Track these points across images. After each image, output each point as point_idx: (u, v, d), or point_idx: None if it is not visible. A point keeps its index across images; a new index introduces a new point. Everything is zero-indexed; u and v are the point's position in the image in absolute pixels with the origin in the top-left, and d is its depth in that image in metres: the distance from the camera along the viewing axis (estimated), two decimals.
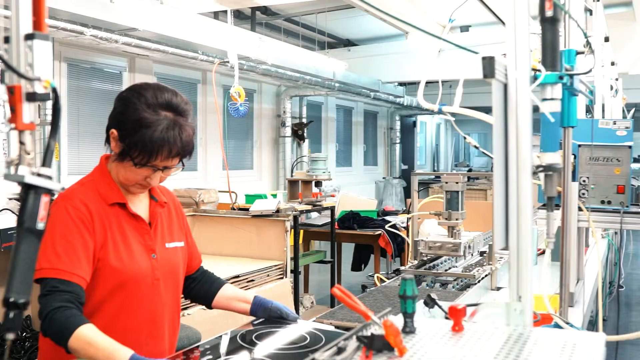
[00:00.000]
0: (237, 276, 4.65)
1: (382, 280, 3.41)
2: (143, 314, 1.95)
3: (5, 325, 1.15)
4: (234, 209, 5.76)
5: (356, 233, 6.46)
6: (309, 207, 5.78)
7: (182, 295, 2.21)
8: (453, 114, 1.58)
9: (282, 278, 5.13)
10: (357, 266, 7.38)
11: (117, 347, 1.67)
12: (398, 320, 1.64)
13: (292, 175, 6.13)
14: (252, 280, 4.80)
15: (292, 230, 5.46)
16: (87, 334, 1.70)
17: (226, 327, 4.41)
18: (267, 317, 2.12)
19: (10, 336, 1.15)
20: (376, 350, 1.28)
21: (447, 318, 1.58)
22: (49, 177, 1.16)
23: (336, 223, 6.34)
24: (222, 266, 4.95)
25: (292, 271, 5.37)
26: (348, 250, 7.46)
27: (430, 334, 1.46)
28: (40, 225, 1.14)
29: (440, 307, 2.11)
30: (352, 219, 6.54)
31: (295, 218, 5.46)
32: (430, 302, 2.19)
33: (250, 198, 6.33)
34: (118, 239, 1.90)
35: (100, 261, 1.86)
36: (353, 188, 11.98)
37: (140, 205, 2.02)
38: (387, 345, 1.28)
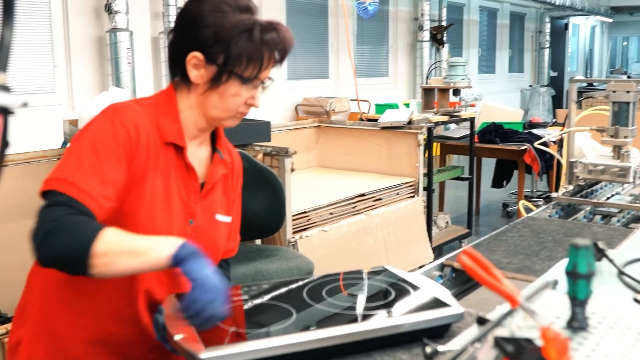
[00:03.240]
0: (363, 194, 4.25)
1: (528, 209, 2.86)
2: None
3: None
4: (363, 120, 5.30)
5: (498, 148, 5.82)
6: (445, 119, 5.20)
7: None
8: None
9: (413, 196, 4.67)
10: (498, 183, 6.77)
11: (161, 237, 1.33)
12: (555, 298, 1.14)
13: (427, 83, 5.54)
14: (380, 199, 4.38)
15: (426, 143, 4.94)
16: (116, 233, 1.29)
17: (350, 257, 4.06)
18: None
19: None
20: None
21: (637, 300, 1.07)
22: (4, 88, 0.74)
23: (476, 136, 5.73)
24: (347, 182, 4.58)
25: (424, 189, 4.88)
26: (489, 165, 6.84)
27: (614, 334, 0.95)
28: None
29: (611, 261, 1.57)
30: (494, 131, 5.90)
31: (430, 130, 4.92)
32: (597, 254, 1.65)
33: (381, 108, 5.83)
34: (158, 189, 1.45)
35: (128, 208, 1.41)
36: (496, 97, 11.15)
37: (198, 156, 1.56)
38: None
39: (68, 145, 1.37)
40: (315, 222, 3.90)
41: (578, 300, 0.97)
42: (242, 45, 1.42)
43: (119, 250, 1.27)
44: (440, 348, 1.07)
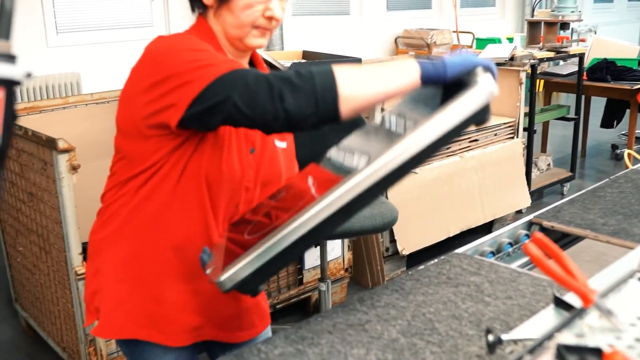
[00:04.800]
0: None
1: (635, 160, 2.63)
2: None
3: None
4: None
5: (609, 86, 5.42)
6: (551, 55, 4.88)
7: None
8: None
9: (512, 138, 4.46)
10: (608, 123, 6.36)
11: (395, 62, 1.25)
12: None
13: (532, 16, 5.19)
14: (476, 140, 4.21)
15: (530, 81, 4.66)
16: (352, 68, 1.23)
17: (441, 201, 3.92)
18: None
19: None
20: None
21: None
22: (6, 57, 0.67)
23: (585, 73, 5.36)
24: None
25: (525, 129, 4.64)
26: (599, 103, 6.42)
27: None
28: None
29: None
30: (605, 68, 5.49)
31: (533, 67, 4.63)
32: None
33: (482, 43, 5.53)
34: None
35: (195, 144, 1.38)
36: (613, 28, 10.43)
37: None
38: None
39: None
40: None
41: None
42: None
43: (363, 76, 1.22)
44: (504, 337, 0.96)
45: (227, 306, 1.52)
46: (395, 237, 3.65)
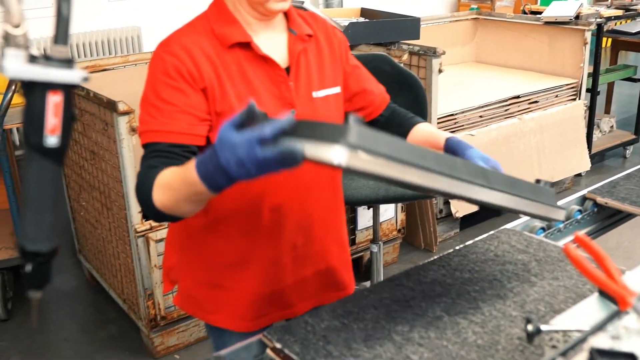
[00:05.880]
0: (518, 97, 4.01)
1: None
2: (280, 194, 1.46)
3: (28, 282, 0.79)
4: (525, 13, 4.91)
5: None
6: (619, 13, 4.70)
7: None
8: None
9: (574, 99, 4.35)
10: None
11: (186, 167, 1.14)
12: None
13: None
14: (536, 102, 4.12)
15: (596, 40, 4.51)
16: (164, 178, 1.24)
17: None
18: None
19: (36, 295, 0.80)
20: None
21: None
22: (65, 62, 0.70)
23: None
24: (502, 82, 4.33)
25: (588, 90, 4.51)
26: None
27: None
28: (51, 140, 0.71)
29: None
30: None
31: (600, 26, 4.48)
32: None
33: (546, 0, 5.35)
34: (242, 92, 1.39)
35: (221, 117, 1.37)
36: None
37: (274, 44, 1.47)
38: None
39: None
40: (462, 125, 3.75)
41: None
42: None
43: (170, 198, 1.22)
44: (543, 327, 0.98)
45: (284, 281, 1.56)
46: (449, 199, 3.64)
